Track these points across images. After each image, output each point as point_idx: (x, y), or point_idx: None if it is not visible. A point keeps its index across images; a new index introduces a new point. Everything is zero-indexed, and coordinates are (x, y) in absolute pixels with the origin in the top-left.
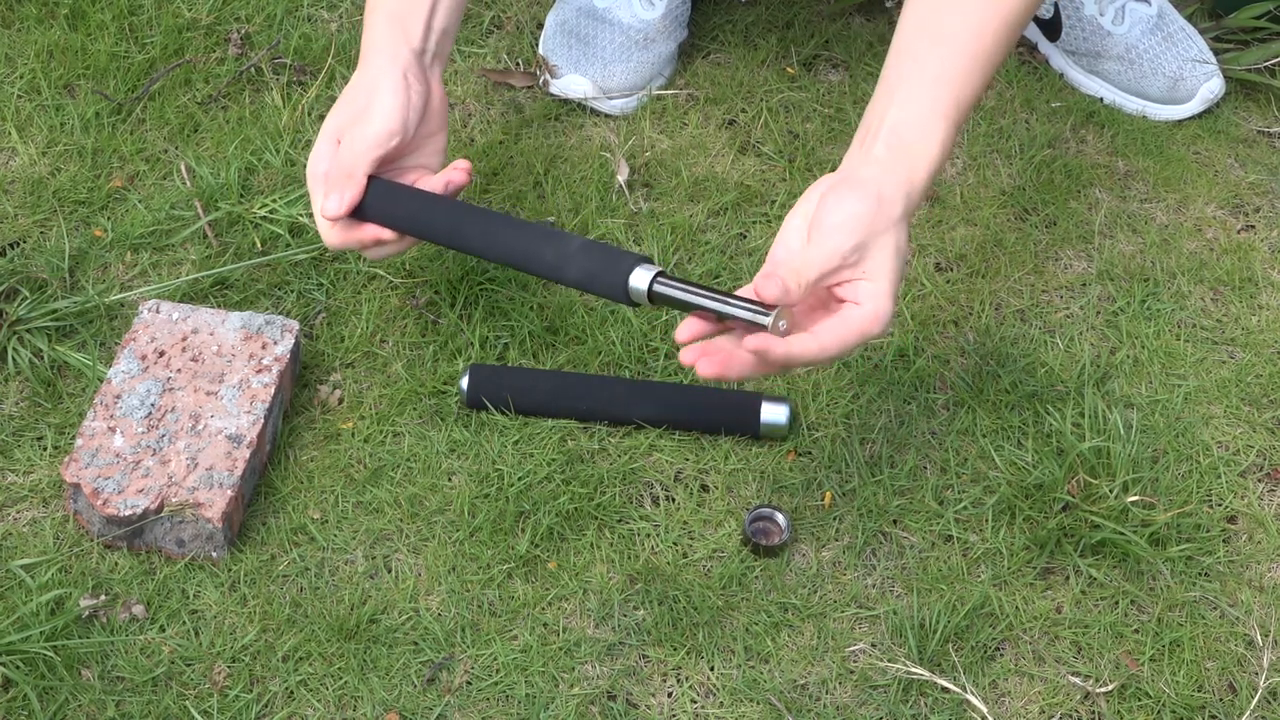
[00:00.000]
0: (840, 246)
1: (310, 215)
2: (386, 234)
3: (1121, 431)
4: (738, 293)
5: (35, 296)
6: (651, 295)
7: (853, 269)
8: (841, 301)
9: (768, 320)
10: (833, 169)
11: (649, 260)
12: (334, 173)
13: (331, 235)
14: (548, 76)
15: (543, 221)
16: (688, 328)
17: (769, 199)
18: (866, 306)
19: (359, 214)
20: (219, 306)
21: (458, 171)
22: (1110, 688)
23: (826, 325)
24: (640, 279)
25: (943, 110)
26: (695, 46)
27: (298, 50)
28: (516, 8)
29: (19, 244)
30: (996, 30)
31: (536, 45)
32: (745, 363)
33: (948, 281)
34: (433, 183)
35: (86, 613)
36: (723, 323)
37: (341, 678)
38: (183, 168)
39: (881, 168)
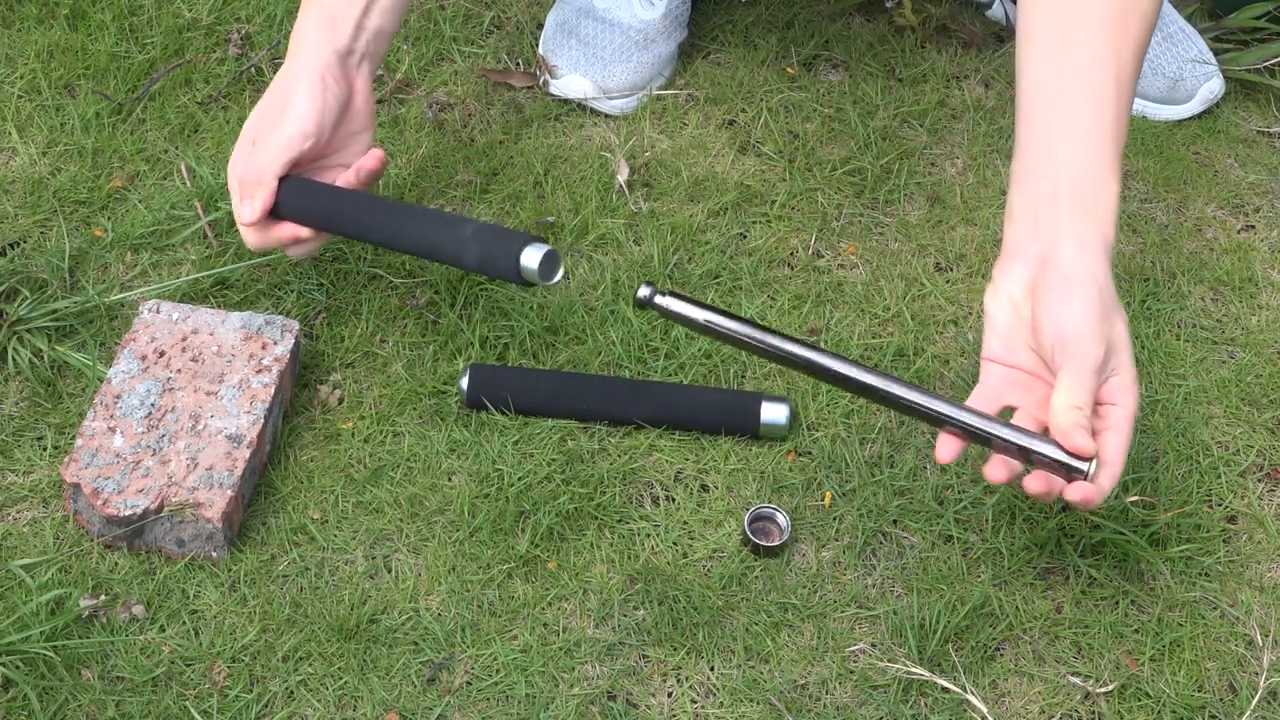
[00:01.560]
0: (1096, 360)
1: None
2: (304, 232)
3: None
4: (1021, 426)
5: (35, 296)
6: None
7: (1106, 373)
8: (1100, 404)
9: (1086, 468)
10: (833, 169)
11: (540, 240)
12: (246, 177)
13: (250, 237)
14: (548, 76)
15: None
16: (948, 448)
17: (769, 199)
18: (1127, 402)
19: (275, 213)
20: (219, 306)
21: (370, 159)
22: (1110, 688)
23: (1109, 442)
24: (531, 258)
25: (1109, 158)
26: (695, 46)
27: None
28: (516, 8)
29: (19, 244)
30: (1125, 57)
31: (536, 45)
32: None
33: (948, 281)
34: (346, 175)
35: (86, 613)
36: (1025, 457)
37: (341, 678)
38: (183, 168)
39: (1080, 245)
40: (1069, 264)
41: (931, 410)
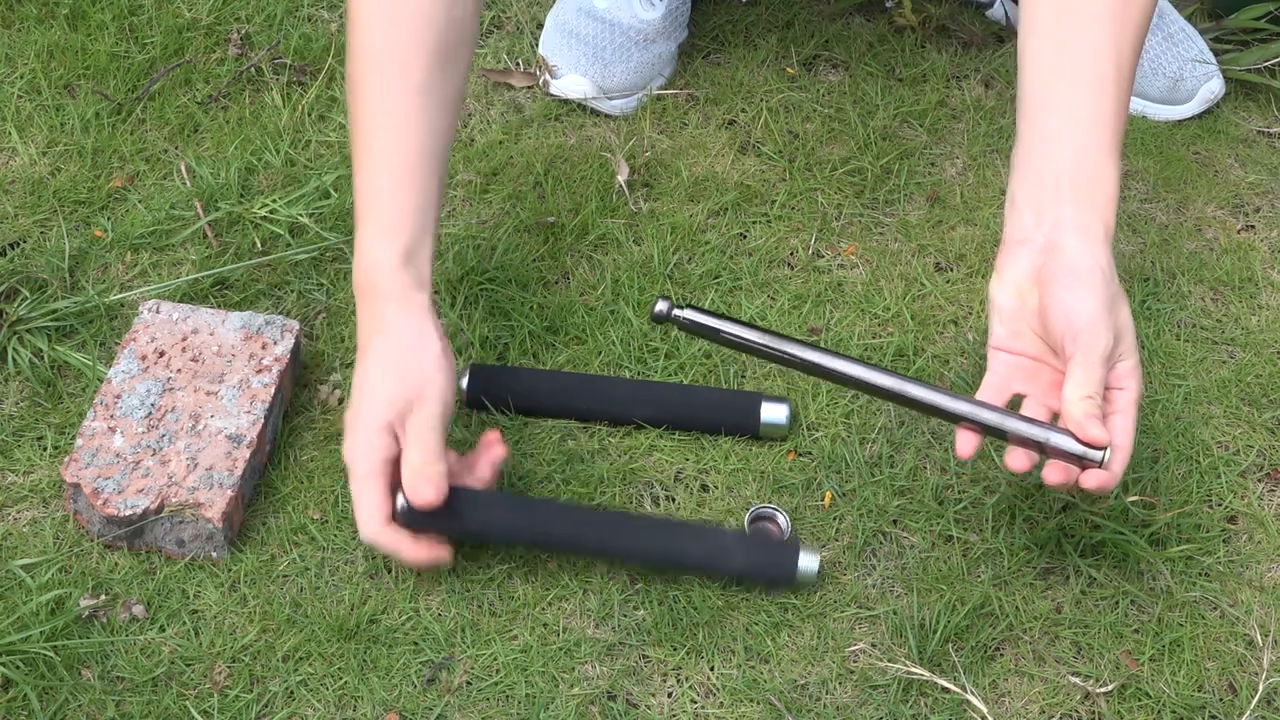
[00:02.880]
0: (1105, 350)
1: (310, 215)
2: (445, 554)
3: None
4: (1029, 414)
5: (35, 296)
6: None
7: (1114, 359)
8: (1107, 389)
9: (1100, 456)
10: (833, 169)
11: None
12: (417, 464)
13: (384, 535)
14: (548, 76)
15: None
16: (966, 444)
17: (769, 199)
18: (1132, 386)
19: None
20: (219, 306)
21: (497, 447)
22: (1110, 688)
23: (1118, 426)
24: (809, 561)
25: (1109, 147)
26: (695, 46)
27: (298, 50)
28: (516, 8)
29: (19, 244)
30: (1125, 48)
31: (536, 45)
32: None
33: (948, 281)
34: (479, 472)
35: (86, 613)
36: (1041, 449)
37: (341, 678)
38: (183, 168)
39: (1084, 235)
40: (1075, 255)
41: (951, 410)
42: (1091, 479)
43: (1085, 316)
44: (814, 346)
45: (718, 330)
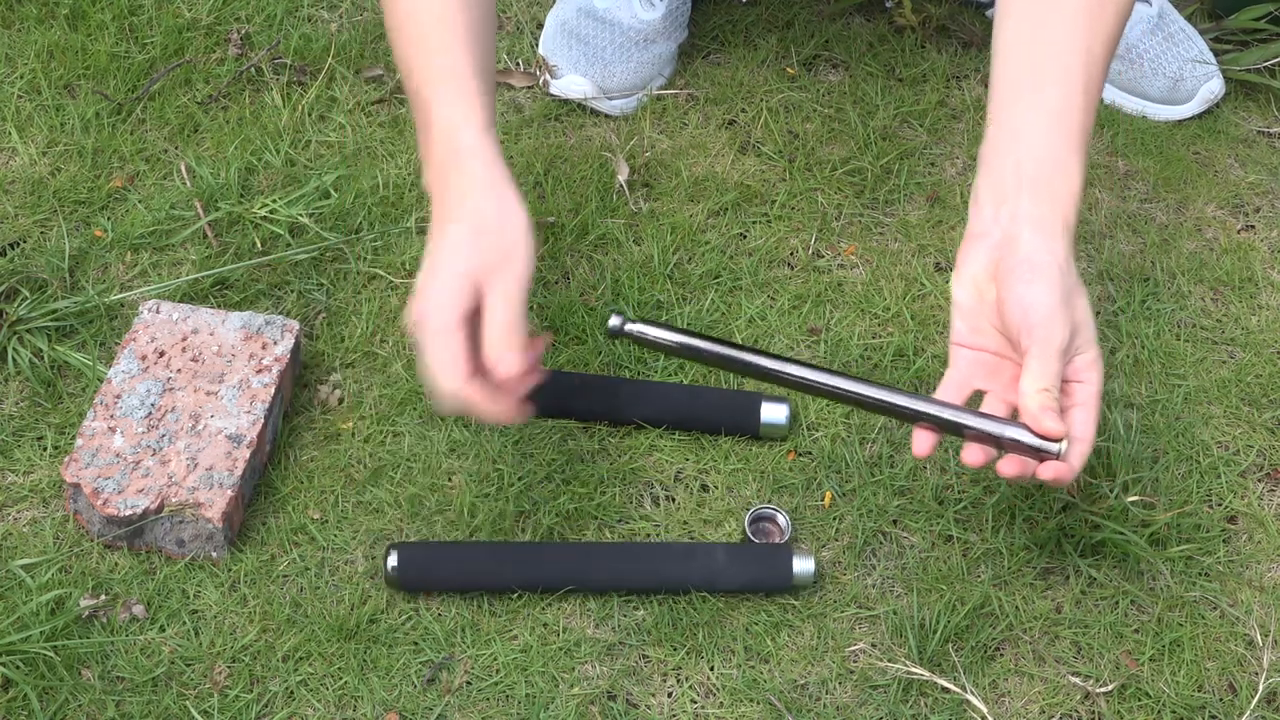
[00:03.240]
0: (1062, 343)
1: (310, 215)
2: (523, 414)
3: (1121, 431)
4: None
5: (35, 296)
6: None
7: (1071, 353)
8: (1067, 382)
9: (1057, 449)
10: (833, 169)
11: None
12: (503, 322)
13: (477, 392)
14: (548, 76)
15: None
16: (923, 442)
17: (769, 199)
18: (1093, 379)
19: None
20: (219, 306)
21: (538, 340)
22: (1110, 688)
23: (1079, 418)
24: (804, 564)
25: (1075, 143)
26: (695, 46)
27: (298, 50)
28: (516, 8)
29: (19, 244)
30: (1097, 48)
31: (536, 45)
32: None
33: (947, 281)
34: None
35: (86, 613)
36: (998, 443)
37: (341, 678)
38: (183, 168)
39: (1040, 228)
40: (1031, 248)
41: (905, 408)
42: (1048, 471)
43: (1041, 310)
44: (766, 353)
45: (668, 343)
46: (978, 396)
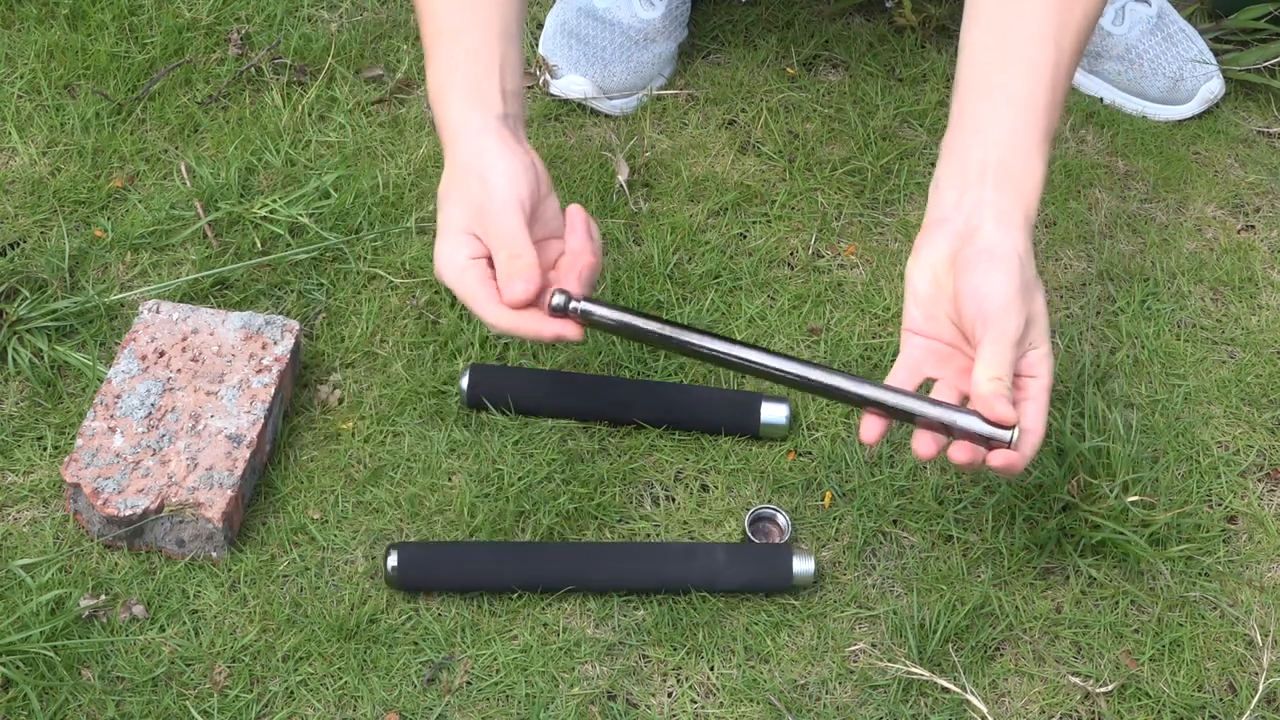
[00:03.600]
0: (1015, 334)
1: (310, 215)
2: (571, 331)
3: (1121, 431)
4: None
5: (35, 296)
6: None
7: (1025, 346)
8: (1019, 376)
9: (1008, 436)
10: (833, 169)
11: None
12: (504, 260)
13: (507, 319)
14: (548, 76)
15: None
16: (872, 428)
17: (769, 199)
18: (1044, 374)
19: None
20: (219, 306)
21: (587, 255)
22: (1110, 688)
23: (1029, 411)
24: (804, 564)
25: (1038, 136)
26: (695, 46)
27: (298, 50)
28: None
29: (19, 244)
30: (1065, 43)
31: (536, 45)
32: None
33: None
34: (565, 282)
35: (86, 613)
36: (949, 431)
37: (341, 678)
38: (183, 168)
39: (1001, 219)
40: (991, 238)
41: (853, 393)
42: (999, 458)
43: (998, 299)
44: (716, 335)
45: (611, 322)
46: (928, 384)
